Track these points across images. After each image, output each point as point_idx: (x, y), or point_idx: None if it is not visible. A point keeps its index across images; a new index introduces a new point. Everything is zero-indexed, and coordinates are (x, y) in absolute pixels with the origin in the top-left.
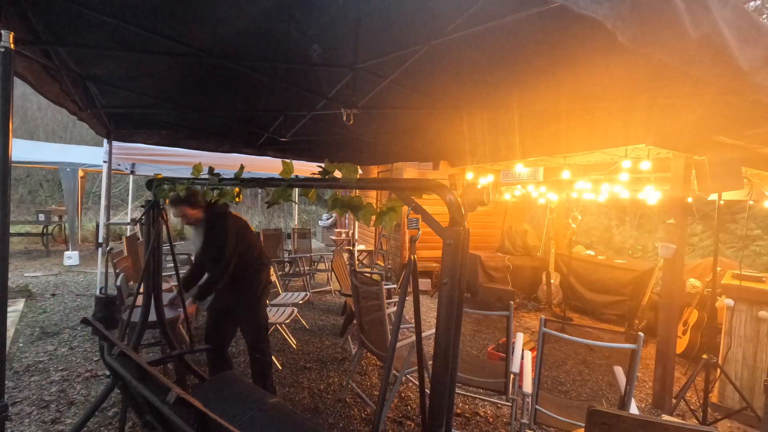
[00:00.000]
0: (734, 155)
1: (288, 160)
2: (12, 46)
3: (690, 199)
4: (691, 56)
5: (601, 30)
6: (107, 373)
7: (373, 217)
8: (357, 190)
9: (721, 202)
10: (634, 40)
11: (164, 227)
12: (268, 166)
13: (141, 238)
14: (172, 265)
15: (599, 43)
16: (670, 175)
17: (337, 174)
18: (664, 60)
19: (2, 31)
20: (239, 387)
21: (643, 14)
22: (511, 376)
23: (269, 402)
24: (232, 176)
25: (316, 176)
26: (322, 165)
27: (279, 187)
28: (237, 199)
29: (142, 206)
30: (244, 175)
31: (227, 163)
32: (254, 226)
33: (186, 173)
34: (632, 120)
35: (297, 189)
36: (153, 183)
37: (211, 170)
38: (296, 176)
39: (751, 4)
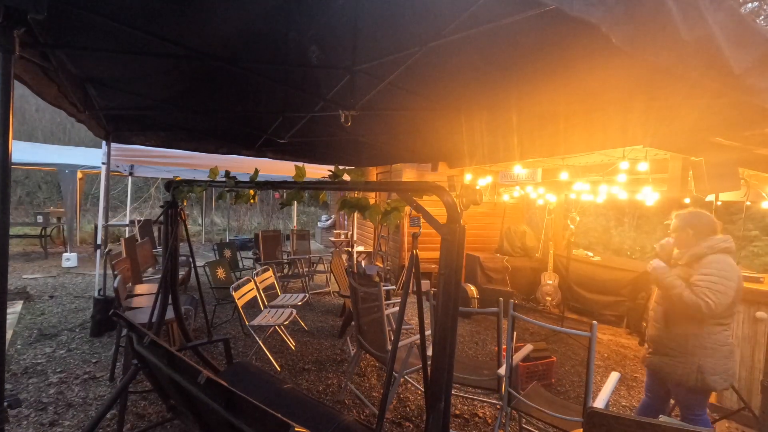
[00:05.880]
0: (731, 156)
1: (300, 164)
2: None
3: (688, 200)
4: (685, 59)
5: (598, 32)
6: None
7: (379, 216)
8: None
9: (719, 203)
10: (628, 43)
11: (183, 227)
12: (269, 167)
13: (139, 240)
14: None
15: (597, 44)
16: (667, 176)
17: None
18: (658, 62)
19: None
20: (256, 374)
21: (637, 17)
22: (502, 374)
23: (285, 387)
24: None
25: (326, 179)
26: (316, 166)
27: (292, 190)
28: (252, 201)
29: (160, 207)
30: (240, 177)
31: (226, 164)
32: (253, 227)
33: (185, 175)
34: (630, 121)
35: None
36: (172, 185)
37: (227, 173)
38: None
39: (749, 5)
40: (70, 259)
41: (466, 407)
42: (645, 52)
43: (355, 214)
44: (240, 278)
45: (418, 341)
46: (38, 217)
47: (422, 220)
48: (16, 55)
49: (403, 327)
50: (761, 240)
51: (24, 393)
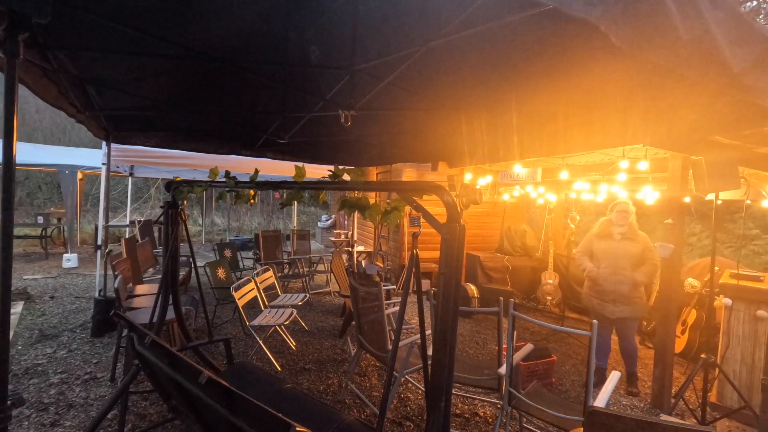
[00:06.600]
0: (731, 155)
1: (300, 164)
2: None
3: (688, 199)
4: (683, 58)
5: (598, 31)
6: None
7: (379, 216)
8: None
9: (719, 202)
10: (626, 42)
11: (183, 227)
12: (269, 168)
13: (139, 240)
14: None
15: (597, 44)
16: (667, 175)
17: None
18: (657, 62)
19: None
20: (256, 374)
21: (636, 17)
22: (503, 373)
23: (286, 387)
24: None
25: (326, 179)
26: (316, 166)
27: (292, 190)
28: (252, 201)
29: (161, 207)
30: (240, 177)
31: (226, 164)
32: (253, 227)
33: (185, 175)
34: (630, 120)
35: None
36: (172, 185)
37: (227, 174)
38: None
39: (748, 4)
40: (70, 259)
41: (466, 406)
42: (644, 51)
43: (355, 213)
44: (240, 278)
45: (419, 341)
46: (39, 217)
47: (422, 220)
48: (20, 59)
49: (403, 327)
50: (761, 239)
51: (25, 393)
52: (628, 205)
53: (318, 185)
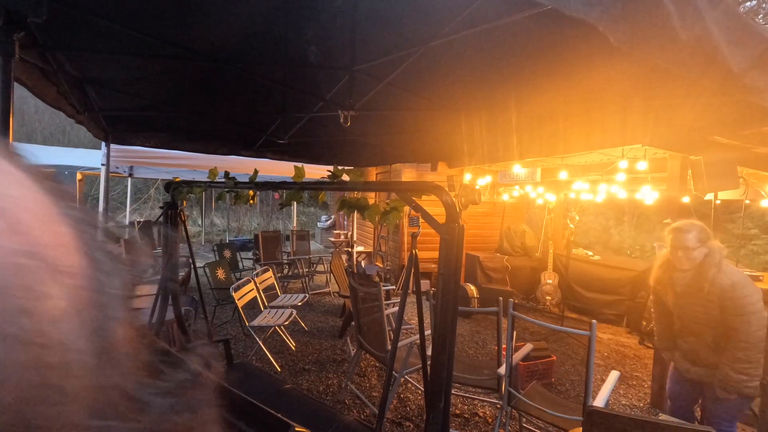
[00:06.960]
0: (730, 155)
1: (299, 165)
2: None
3: (687, 199)
4: (682, 58)
5: (597, 32)
6: None
7: (378, 216)
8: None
9: (718, 202)
10: (625, 43)
11: (183, 228)
12: (268, 168)
13: (139, 241)
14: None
15: (596, 44)
16: (666, 175)
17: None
18: (656, 62)
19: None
20: (256, 374)
21: (634, 17)
22: (502, 374)
23: (285, 387)
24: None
25: (325, 179)
26: (315, 166)
27: (292, 190)
28: (251, 201)
29: (160, 207)
30: (239, 177)
31: (226, 165)
32: (253, 228)
33: (185, 175)
34: (629, 120)
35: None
36: (171, 186)
37: (226, 174)
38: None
39: (747, 4)
40: None
41: (466, 407)
42: (643, 51)
43: (355, 214)
44: (240, 279)
45: (418, 341)
46: None
47: (421, 220)
48: (16, 58)
49: (402, 327)
50: (760, 238)
51: None
52: (685, 235)
53: (317, 185)
